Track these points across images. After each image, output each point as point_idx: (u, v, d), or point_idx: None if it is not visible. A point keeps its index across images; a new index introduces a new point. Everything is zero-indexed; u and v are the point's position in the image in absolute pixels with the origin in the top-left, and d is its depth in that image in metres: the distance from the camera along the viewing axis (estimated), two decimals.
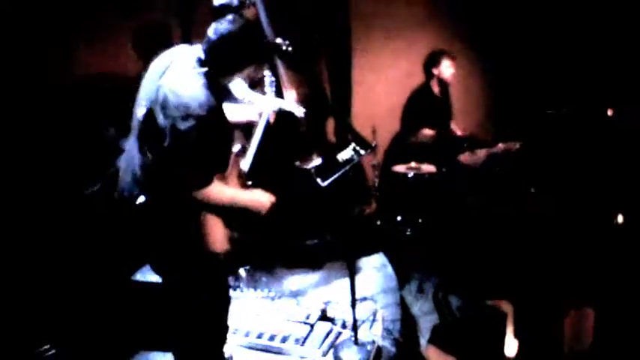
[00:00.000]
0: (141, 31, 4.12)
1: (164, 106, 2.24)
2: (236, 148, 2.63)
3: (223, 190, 2.43)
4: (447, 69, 4.93)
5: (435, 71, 4.95)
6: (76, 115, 3.77)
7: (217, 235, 2.46)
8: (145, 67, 2.48)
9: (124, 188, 2.46)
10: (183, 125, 2.18)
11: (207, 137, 2.22)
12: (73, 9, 3.85)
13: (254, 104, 3.09)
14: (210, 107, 2.24)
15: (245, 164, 2.84)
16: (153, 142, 2.29)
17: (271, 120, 3.01)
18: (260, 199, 2.56)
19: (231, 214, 2.48)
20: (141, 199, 2.37)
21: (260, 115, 2.93)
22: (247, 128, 2.97)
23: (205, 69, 2.31)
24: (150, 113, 2.30)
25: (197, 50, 2.37)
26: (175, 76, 2.32)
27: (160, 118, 2.24)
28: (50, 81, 3.75)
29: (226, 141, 2.48)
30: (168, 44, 2.57)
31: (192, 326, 2.58)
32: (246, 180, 2.80)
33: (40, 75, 3.70)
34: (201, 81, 2.29)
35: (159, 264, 2.58)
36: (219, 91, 2.37)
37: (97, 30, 4.04)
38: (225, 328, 2.72)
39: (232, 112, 2.77)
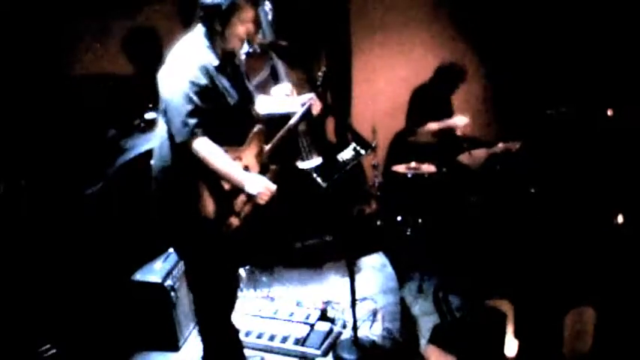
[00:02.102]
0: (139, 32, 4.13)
1: (158, 78, 2.55)
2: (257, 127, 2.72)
3: (221, 155, 2.52)
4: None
5: (461, 85, 4.99)
6: (76, 114, 3.77)
7: (211, 201, 2.55)
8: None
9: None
10: (169, 83, 2.49)
11: (189, 92, 2.43)
12: (73, 9, 3.85)
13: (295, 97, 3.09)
14: (196, 67, 2.47)
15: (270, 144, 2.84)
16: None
17: (315, 111, 2.98)
18: (255, 183, 2.56)
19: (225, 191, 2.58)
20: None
21: (303, 104, 2.93)
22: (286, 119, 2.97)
23: (204, 31, 2.54)
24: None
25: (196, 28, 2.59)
26: (171, 51, 2.56)
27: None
28: (50, 81, 3.75)
29: (230, 107, 2.59)
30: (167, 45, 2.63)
31: (200, 288, 2.80)
32: (269, 160, 2.80)
33: (40, 75, 3.69)
34: (192, 47, 2.53)
35: (171, 234, 2.76)
36: (222, 54, 2.58)
37: (97, 30, 4.04)
38: (232, 297, 2.90)
39: (276, 104, 2.96)
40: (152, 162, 2.68)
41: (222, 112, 2.56)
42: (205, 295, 2.79)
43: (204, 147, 2.47)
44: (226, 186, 2.58)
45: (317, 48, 5.05)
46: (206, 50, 2.55)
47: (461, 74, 4.97)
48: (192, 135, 2.45)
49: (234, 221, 2.63)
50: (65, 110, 3.73)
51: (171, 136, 2.53)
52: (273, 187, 2.60)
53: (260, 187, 2.55)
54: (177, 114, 2.45)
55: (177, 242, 2.81)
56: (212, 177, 2.53)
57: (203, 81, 2.47)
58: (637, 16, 4.92)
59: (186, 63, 2.49)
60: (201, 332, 2.93)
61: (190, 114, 2.43)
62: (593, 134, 4.79)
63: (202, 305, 2.84)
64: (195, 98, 2.44)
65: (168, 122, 2.51)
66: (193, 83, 2.45)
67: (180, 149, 2.49)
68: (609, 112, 4.75)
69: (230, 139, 2.59)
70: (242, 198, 2.64)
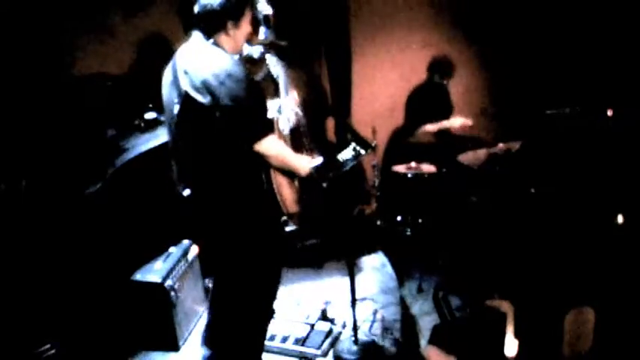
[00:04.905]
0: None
1: (199, 86, 2.35)
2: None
3: (284, 146, 2.58)
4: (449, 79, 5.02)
5: (443, 80, 4.99)
6: (76, 114, 3.77)
7: (289, 194, 2.62)
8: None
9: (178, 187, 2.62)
10: (229, 85, 2.33)
11: (251, 89, 2.40)
12: (74, 9, 3.85)
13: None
14: (238, 63, 2.43)
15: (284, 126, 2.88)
16: (195, 129, 2.42)
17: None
18: (304, 163, 2.64)
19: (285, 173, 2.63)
20: (186, 192, 2.53)
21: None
22: None
23: (212, 40, 2.47)
24: (186, 106, 2.40)
25: (195, 35, 2.51)
26: (192, 59, 2.44)
27: (203, 99, 2.35)
28: (50, 81, 3.75)
29: (261, 97, 2.58)
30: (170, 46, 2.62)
31: (242, 307, 2.70)
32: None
33: (40, 75, 3.69)
34: (215, 49, 2.45)
35: (217, 250, 2.69)
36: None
37: (97, 30, 4.04)
38: (270, 311, 2.87)
39: None
40: (201, 202, 2.55)
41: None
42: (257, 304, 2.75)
43: (275, 142, 2.49)
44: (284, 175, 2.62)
45: (317, 48, 5.05)
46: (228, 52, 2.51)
47: (448, 67, 4.99)
48: (268, 131, 2.44)
49: (299, 201, 2.72)
50: (65, 110, 3.73)
51: (223, 150, 2.44)
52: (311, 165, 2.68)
53: (307, 168, 2.64)
54: (250, 113, 2.39)
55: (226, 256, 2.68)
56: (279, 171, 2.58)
57: (250, 76, 2.47)
58: (637, 16, 4.92)
59: (232, 63, 2.41)
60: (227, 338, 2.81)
61: (261, 111, 2.44)
62: (593, 134, 4.79)
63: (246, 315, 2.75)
64: (258, 94, 2.44)
65: (236, 127, 2.38)
66: (251, 81, 2.43)
67: (244, 154, 2.42)
68: (609, 112, 4.75)
69: (266, 124, 2.59)
70: (295, 182, 2.72)
